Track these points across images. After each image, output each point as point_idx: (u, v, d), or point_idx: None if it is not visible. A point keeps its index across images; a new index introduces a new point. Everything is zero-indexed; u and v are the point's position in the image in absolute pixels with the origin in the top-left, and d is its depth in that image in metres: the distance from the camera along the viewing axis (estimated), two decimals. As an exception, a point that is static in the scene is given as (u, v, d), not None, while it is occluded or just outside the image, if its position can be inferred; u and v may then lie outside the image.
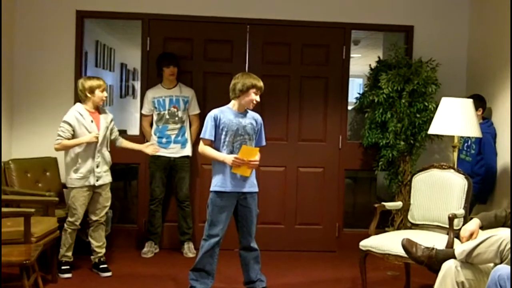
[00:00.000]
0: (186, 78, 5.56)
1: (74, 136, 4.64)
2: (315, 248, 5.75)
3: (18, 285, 3.71)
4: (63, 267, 4.72)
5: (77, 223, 4.73)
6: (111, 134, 4.88)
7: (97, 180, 4.71)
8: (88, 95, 4.69)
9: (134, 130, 5.66)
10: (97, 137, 4.66)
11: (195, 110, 5.47)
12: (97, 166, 4.71)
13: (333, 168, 5.78)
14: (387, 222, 5.39)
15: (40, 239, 4.19)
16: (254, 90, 4.10)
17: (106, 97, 4.77)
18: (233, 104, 4.18)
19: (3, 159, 5.02)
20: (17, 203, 4.58)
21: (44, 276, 4.44)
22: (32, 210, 4.13)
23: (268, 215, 5.69)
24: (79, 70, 5.56)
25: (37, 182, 5.15)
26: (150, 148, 5.01)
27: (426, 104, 5.18)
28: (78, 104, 4.77)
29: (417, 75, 5.19)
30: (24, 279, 3.66)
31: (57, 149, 4.71)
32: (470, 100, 4.60)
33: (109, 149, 4.85)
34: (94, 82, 4.71)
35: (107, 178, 4.81)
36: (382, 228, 5.12)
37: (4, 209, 4.43)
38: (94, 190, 4.77)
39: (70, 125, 4.62)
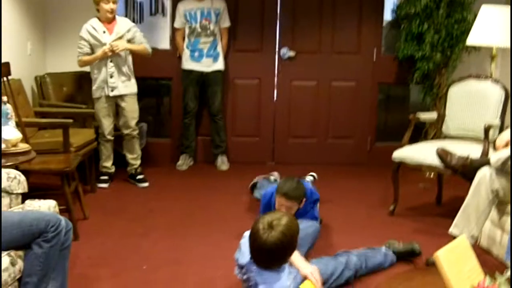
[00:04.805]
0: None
1: (91, 48, 4.67)
2: (346, 161, 5.77)
3: (58, 193, 3.70)
4: (101, 177, 4.88)
5: (105, 134, 4.81)
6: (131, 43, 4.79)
7: (111, 91, 4.72)
8: (96, 7, 4.67)
9: (164, 45, 5.66)
10: (110, 50, 4.58)
11: (225, 23, 5.38)
12: (111, 77, 4.71)
13: (366, 81, 5.69)
14: (420, 137, 5.34)
15: (78, 150, 4.30)
16: None
17: (111, 9, 4.62)
18: None
19: (38, 73, 5.08)
20: (54, 115, 4.65)
21: (82, 187, 4.55)
22: (70, 120, 4.19)
23: (300, 129, 5.72)
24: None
25: (72, 95, 5.20)
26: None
27: (465, 14, 5.02)
28: (94, 18, 4.74)
29: (457, -17, 5.01)
30: (65, 186, 3.70)
31: (80, 66, 4.80)
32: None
33: (125, 59, 4.75)
34: None
35: (125, 89, 4.78)
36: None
37: (42, 120, 4.53)
38: (116, 103, 4.81)
39: (84, 39, 4.67)
